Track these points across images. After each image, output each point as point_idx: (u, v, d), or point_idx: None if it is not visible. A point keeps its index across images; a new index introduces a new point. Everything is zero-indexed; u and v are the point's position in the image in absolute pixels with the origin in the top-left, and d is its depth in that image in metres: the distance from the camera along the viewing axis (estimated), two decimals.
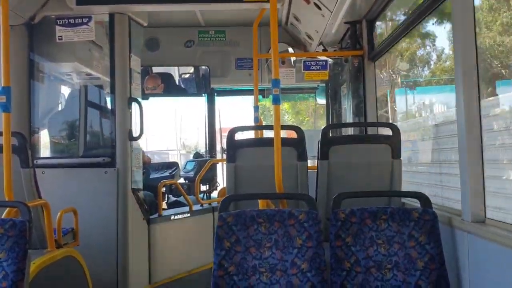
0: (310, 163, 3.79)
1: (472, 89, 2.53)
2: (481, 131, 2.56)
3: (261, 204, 3.08)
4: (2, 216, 2.76)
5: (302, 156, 3.47)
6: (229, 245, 2.62)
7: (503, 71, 5.03)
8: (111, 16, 4.27)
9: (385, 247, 2.62)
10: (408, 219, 2.65)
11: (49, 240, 3.25)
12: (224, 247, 2.62)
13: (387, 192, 3.39)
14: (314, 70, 5.27)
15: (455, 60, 2.62)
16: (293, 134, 3.63)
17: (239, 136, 3.66)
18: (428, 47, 7.08)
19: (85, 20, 4.26)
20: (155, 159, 9.72)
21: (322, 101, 6.89)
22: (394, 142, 3.43)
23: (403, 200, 3.48)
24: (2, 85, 2.96)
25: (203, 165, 5.53)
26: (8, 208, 2.84)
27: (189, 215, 4.90)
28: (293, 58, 6.06)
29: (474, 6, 2.58)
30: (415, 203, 3.16)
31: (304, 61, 5.32)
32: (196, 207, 5.03)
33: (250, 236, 2.64)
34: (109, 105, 4.41)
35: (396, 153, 3.41)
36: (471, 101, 2.52)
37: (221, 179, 6.28)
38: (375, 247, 2.63)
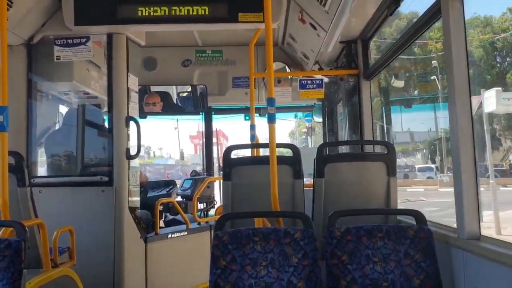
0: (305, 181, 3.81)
1: (465, 109, 2.56)
2: (475, 149, 2.58)
3: (257, 222, 3.09)
4: None
5: (298, 174, 3.49)
6: (225, 264, 2.61)
7: None
8: (109, 36, 4.32)
9: (381, 265, 2.62)
10: (403, 236, 2.66)
11: (45, 260, 3.23)
12: (219, 266, 2.61)
13: (383, 210, 3.40)
14: (310, 88, 5.32)
15: (448, 77, 2.66)
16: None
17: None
18: None
19: (83, 40, 4.32)
20: None
21: (318, 119, 6.94)
22: (389, 160, 3.45)
23: (399, 217, 3.48)
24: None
25: (200, 183, 5.54)
26: (4, 228, 2.84)
27: (186, 233, 4.89)
28: (289, 77, 6.12)
29: (465, 23, 2.63)
30: (411, 220, 3.17)
31: (300, 80, 5.38)
32: (193, 226, 5.02)
33: (246, 255, 2.64)
34: (106, 124, 4.44)
35: (391, 170, 3.43)
36: (464, 120, 2.56)
37: (219, 197, 6.27)
38: (371, 265, 2.62)
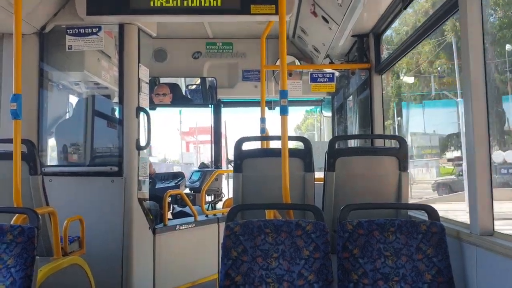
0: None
1: (481, 104, 2.54)
2: (490, 145, 2.56)
3: (268, 214, 3.08)
4: (11, 223, 2.77)
5: (309, 167, 3.47)
6: (236, 255, 2.62)
7: None
8: (121, 26, 4.31)
9: (393, 259, 2.61)
10: (416, 231, 2.65)
11: (56, 248, 3.25)
12: (231, 257, 2.61)
13: (395, 204, 3.38)
14: (321, 82, 5.30)
15: (463, 75, 2.64)
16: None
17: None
18: None
19: (95, 30, 4.32)
20: None
21: (328, 114, 6.92)
22: (401, 155, 3.43)
23: (410, 212, 3.47)
24: (13, 93, 2.99)
25: (208, 176, 5.54)
26: (16, 215, 2.85)
27: (194, 225, 4.90)
28: (299, 70, 6.10)
29: (482, 20, 2.60)
30: (422, 215, 3.15)
31: (311, 73, 5.35)
32: (201, 218, 5.03)
33: (257, 246, 2.64)
34: (117, 115, 4.44)
35: (403, 165, 3.41)
36: (480, 115, 2.53)
37: (226, 190, 6.29)
38: (383, 259, 2.61)
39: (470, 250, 2.55)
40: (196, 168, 6.74)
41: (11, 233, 2.55)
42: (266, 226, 2.67)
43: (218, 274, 4.75)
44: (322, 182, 3.55)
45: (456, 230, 2.71)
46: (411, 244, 2.63)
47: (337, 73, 5.56)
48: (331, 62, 5.51)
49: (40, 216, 2.68)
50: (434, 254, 2.60)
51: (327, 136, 8.26)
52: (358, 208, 2.86)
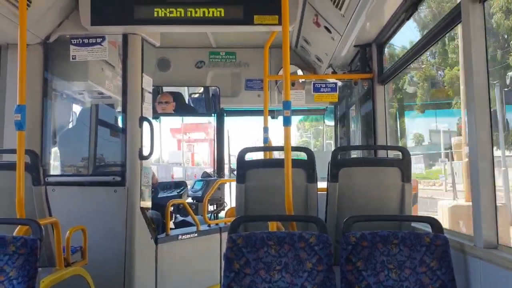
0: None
1: (484, 116, 2.53)
2: (493, 157, 2.55)
3: (271, 225, 3.07)
4: (13, 234, 2.76)
5: (312, 177, 3.47)
6: (239, 267, 2.60)
7: None
8: (124, 36, 4.33)
9: (396, 272, 2.60)
10: (419, 244, 2.63)
11: (58, 259, 3.24)
12: (233, 269, 2.60)
13: (400, 216, 3.37)
14: (323, 92, 5.31)
15: (467, 83, 2.63)
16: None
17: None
18: None
19: (98, 40, 4.34)
20: None
21: (330, 123, 6.92)
22: (404, 166, 3.42)
23: (413, 224, 3.45)
24: (18, 103, 2.99)
25: (211, 185, 5.53)
26: (19, 226, 2.85)
27: (196, 235, 4.88)
28: (302, 80, 6.10)
29: (485, 29, 2.60)
30: (425, 227, 3.14)
31: (314, 83, 5.36)
32: (203, 227, 5.01)
33: (260, 259, 2.62)
34: (120, 124, 4.45)
35: (406, 176, 3.40)
36: (483, 127, 2.53)
37: (229, 199, 6.27)
38: (386, 271, 2.60)
39: (474, 263, 2.54)
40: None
41: (14, 244, 2.54)
42: (269, 238, 2.66)
43: (220, 285, 4.73)
44: (325, 192, 3.54)
45: (460, 243, 2.69)
46: (414, 257, 2.62)
47: (339, 83, 5.56)
48: (334, 72, 5.51)
49: (42, 228, 2.68)
50: (438, 267, 2.58)
51: (330, 144, 8.24)
52: (362, 220, 2.85)
